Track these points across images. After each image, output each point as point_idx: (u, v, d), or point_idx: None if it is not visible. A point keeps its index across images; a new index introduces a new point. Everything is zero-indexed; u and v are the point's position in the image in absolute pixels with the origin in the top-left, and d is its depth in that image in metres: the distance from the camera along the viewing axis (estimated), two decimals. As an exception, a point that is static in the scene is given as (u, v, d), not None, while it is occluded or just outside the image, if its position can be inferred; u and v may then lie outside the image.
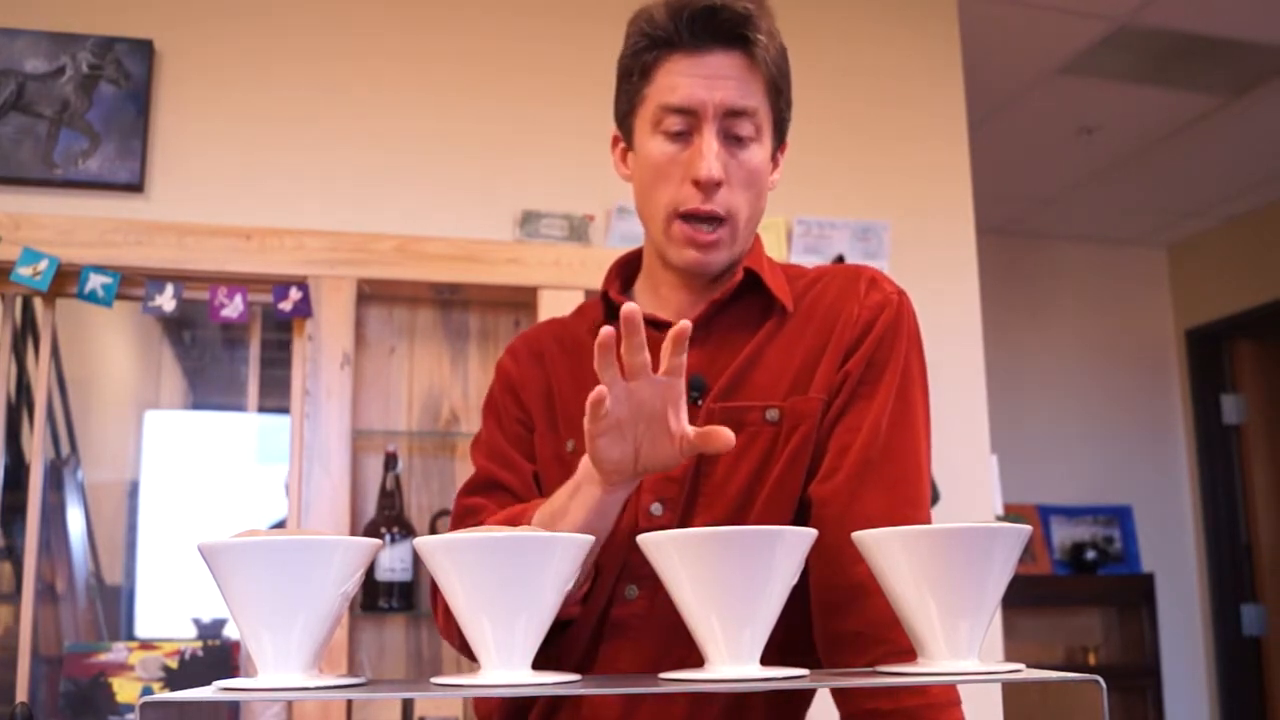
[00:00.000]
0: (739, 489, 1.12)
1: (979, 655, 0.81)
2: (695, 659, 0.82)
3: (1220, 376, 4.99)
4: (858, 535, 0.83)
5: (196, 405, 3.94)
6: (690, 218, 1.14)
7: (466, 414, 2.66)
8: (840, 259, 2.77)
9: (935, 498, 2.59)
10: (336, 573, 0.77)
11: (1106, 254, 5.12)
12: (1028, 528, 0.81)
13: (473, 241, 2.57)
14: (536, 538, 0.77)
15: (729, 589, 0.78)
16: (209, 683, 0.76)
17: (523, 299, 2.61)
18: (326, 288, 2.47)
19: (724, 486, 1.12)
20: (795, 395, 1.14)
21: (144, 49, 2.57)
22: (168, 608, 3.29)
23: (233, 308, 2.45)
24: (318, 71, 2.68)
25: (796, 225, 2.80)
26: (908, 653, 0.90)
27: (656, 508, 1.13)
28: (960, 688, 1.04)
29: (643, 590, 1.12)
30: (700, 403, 1.15)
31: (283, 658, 0.77)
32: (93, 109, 2.52)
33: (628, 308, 0.94)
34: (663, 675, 0.81)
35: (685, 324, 0.95)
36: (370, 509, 2.54)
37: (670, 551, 0.79)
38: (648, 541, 0.81)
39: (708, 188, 1.12)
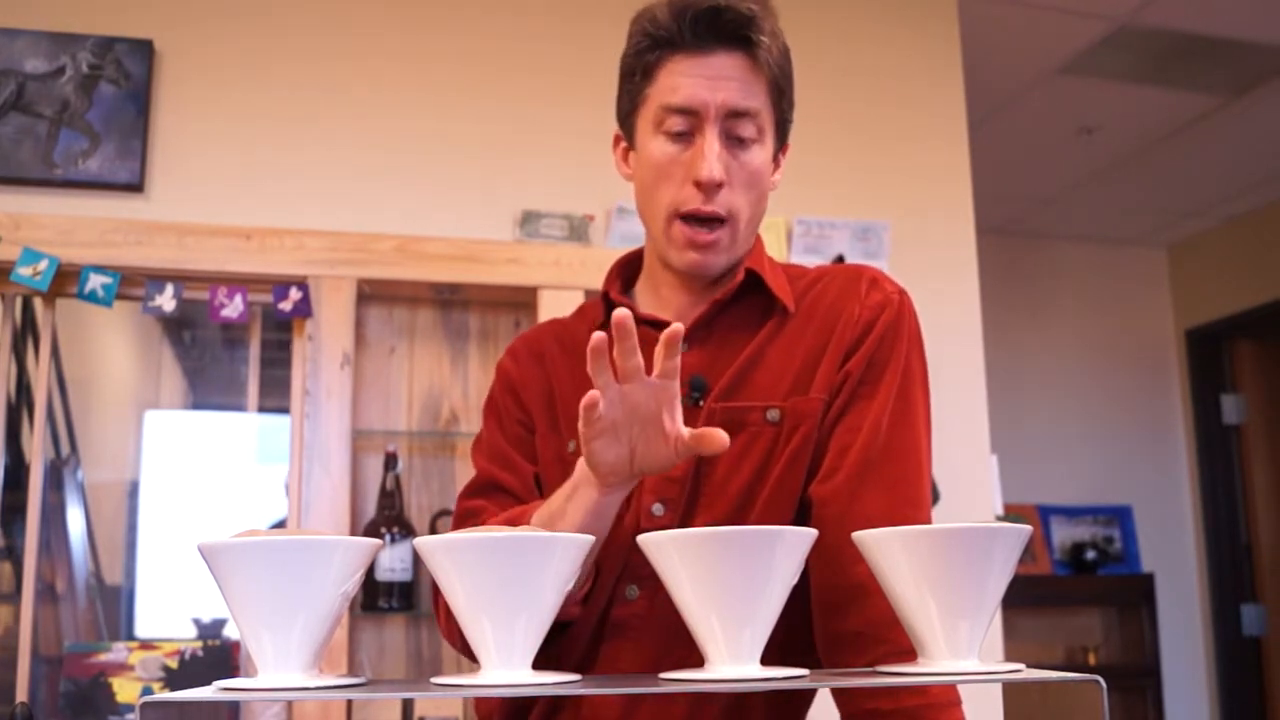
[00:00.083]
0: (740, 489, 1.12)
1: (979, 655, 0.81)
2: (696, 659, 0.82)
3: (1220, 376, 4.99)
4: (858, 535, 0.83)
5: (196, 405, 3.94)
6: (691, 219, 1.14)
7: (466, 414, 2.66)
8: (840, 259, 2.77)
9: (935, 498, 2.59)
10: (336, 573, 0.77)
11: (1106, 254, 5.12)
12: (1028, 528, 0.81)
13: (473, 241, 2.57)
14: (536, 538, 0.77)
15: (729, 589, 0.78)
16: (209, 683, 0.76)
17: (523, 299, 2.61)
18: (326, 288, 2.47)
19: (725, 487, 1.13)
20: (796, 395, 1.14)
21: (144, 49, 2.57)
22: (168, 608, 3.29)
23: (233, 308, 2.45)
24: (318, 71, 2.68)
25: (796, 225, 2.80)
26: (908, 653, 0.90)
27: (658, 508, 1.13)
28: (960, 688, 1.04)
29: (643, 590, 1.13)
30: (701, 403, 1.15)
31: (283, 658, 0.77)
32: (93, 109, 2.52)
33: (619, 313, 0.94)
34: (663, 675, 0.81)
35: (678, 327, 0.95)
36: (370, 509, 2.54)
37: (670, 551, 0.79)
38: (648, 541, 0.81)
39: (709, 189, 1.12)
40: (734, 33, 1.12)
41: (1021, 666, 0.79)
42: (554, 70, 2.78)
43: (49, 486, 2.60)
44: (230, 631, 2.93)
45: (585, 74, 2.73)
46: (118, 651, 2.38)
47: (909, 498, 1.12)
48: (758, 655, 0.80)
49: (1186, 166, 4.34)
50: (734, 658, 0.79)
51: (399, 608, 2.48)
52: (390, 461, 2.53)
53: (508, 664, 0.77)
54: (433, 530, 2.57)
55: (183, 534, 3.36)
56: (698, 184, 1.12)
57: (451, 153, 2.70)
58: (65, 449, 2.93)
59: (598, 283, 1.32)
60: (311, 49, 2.69)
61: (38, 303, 2.56)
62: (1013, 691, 3.14)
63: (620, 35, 1.19)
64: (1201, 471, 4.95)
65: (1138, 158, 4.25)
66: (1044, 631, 4.73)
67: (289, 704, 2.31)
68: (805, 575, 1.09)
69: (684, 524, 1.12)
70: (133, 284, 2.42)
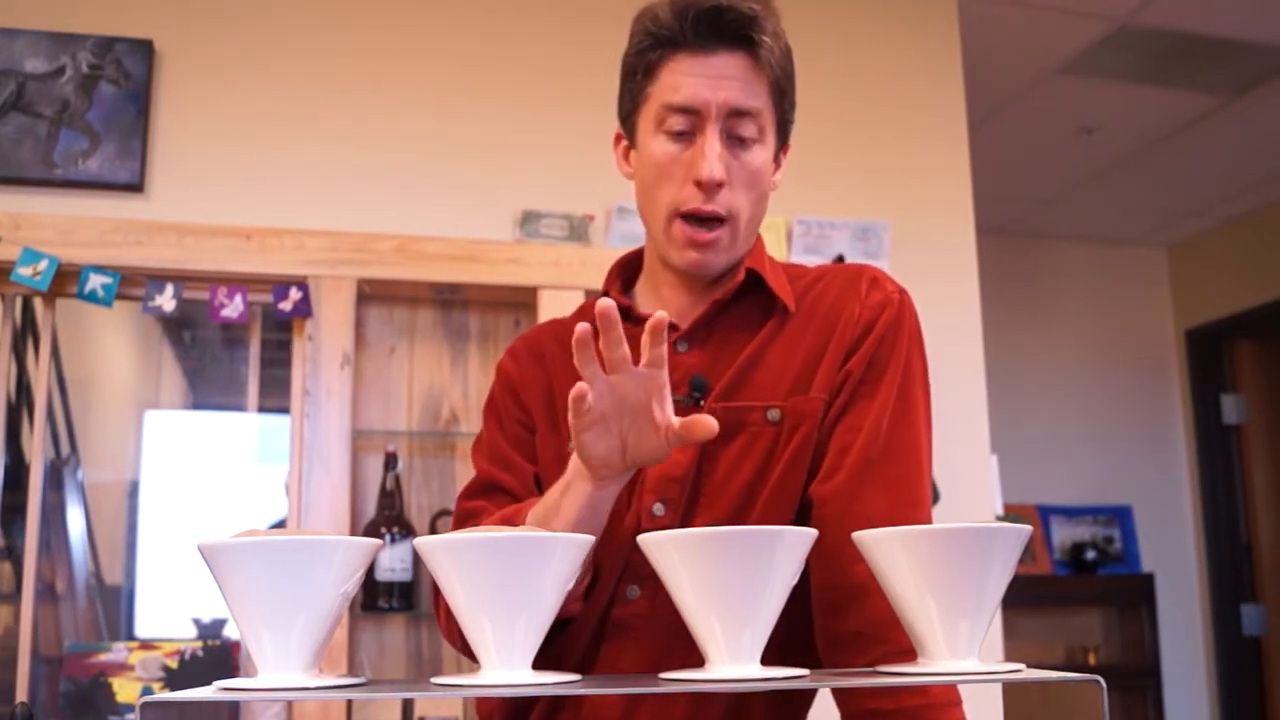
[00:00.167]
0: (740, 489, 1.12)
1: (979, 655, 0.81)
2: (696, 659, 0.82)
3: (1220, 376, 4.99)
4: (858, 535, 0.83)
5: (196, 405, 3.94)
6: (691, 218, 1.14)
7: (466, 414, 2.67)
8: (840, 259, 2.77)
9: (935, 498, 2.59)
10: (336, 573, 0.77)
11: (1106, 254, 5.12)
12: (1028, 528, 0.81)
13: (473, 241, 2.57)
14: (536, 538, 0.77)
15: (729, 589, 0.78)
16: (209, 683, 0.76)
17: (523, 299, 2.61)
18: (326, 288, 2.47)
19: (725, 486, 1.12)
20: (796, 395, 1.14)
21: (144, 49, 2.57)
22: (168, 608, 3.29)
23: (233, 308, 2.45)
24: (318, 71, 2.68)
25: (796, 225, 2.80)
26: (908, 653, 0.90)
27: (659, 508, 1.13)
28: (960, 688, 1.04)
29: (644, 590, 1.12)
30: (702, 403, 1.14)
31: (283, 658, 0.77)
32: (93, 109, 2.52)
33: (601, 303, 0.94)
34: (663, 675, 0.80)
35: (662, 315, 0.95)
36: (370, 509, 2.54)
37: (670, 551, 0.79)
38: (648, 541, 0.81)
39: (709, 188, 1.12)
40: (736, 32, 1.12)
41: (1021, 666, 0.79)
42: (554, 70, 2.78)
43: (49, 486, 2.60)
44: (230, 631, 2.93)
45: (585, 74, 2.73)
46: (118, 651, 2.38)
47: (909, 497, 1.11)
48: (758, 655, 0.80)
49: (1186, 166, 4.34)
50: (734, 658, 0.79)
51: (399, 608, 2.48)
52: (390, 461, 2.53)
53: (508, 664, 0.77)
54: (433, 530, 2.57)
55: (183, 534, 3.36)
56: (698, 183, 1.12)
57: (451, 153, 2.70)
58: (65, 449, 2.93)
59: (598, 283, 1.32)
60: (311, 49, 2.69)
61: (38, 303, 2.56)
62: (1013, 691, 3.14)
63: (621, 35, 1.19)
64: (1201, 471, 4.95)
65: (1138, 158, 4.25)
66: (1044, 631, 4.73)
67: (289, 704, 2.31)
68: (805, 575, 1.09)
69: (685, 524, 1.12)
70: (133, 284, 2.42)
